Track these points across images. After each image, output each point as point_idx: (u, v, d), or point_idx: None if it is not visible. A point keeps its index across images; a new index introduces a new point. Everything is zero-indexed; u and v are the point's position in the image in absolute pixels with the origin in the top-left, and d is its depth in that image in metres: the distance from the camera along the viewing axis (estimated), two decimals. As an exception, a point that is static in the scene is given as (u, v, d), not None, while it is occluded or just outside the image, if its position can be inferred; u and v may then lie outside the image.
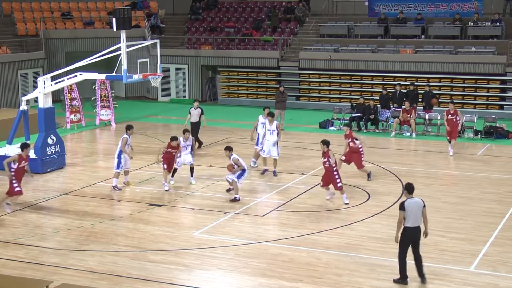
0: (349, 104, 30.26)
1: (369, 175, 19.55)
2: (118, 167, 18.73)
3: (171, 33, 38.09)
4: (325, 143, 17.00)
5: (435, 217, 16.22)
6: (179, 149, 18.68)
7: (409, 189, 12.57)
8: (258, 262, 13.54)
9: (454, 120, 22.82)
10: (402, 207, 12.37)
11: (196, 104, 23.75)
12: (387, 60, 31.70)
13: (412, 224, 12.34)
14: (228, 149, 17.76)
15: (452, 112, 22.96)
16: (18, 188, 16.69)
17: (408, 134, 26.19)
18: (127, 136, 18.77)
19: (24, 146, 16.93)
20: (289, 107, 32.12)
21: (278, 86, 30.13)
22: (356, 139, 19.19)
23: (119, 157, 18.71)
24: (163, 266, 13.39)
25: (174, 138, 18.58)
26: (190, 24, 38.05)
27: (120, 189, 18.66)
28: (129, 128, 19.01)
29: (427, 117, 26.96)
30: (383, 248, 14.23)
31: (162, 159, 18.64)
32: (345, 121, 27.45)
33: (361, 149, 19.22)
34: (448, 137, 22.97)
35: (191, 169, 19.30)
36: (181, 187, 18.97)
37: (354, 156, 19.27)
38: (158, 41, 22.90)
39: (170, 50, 34.98)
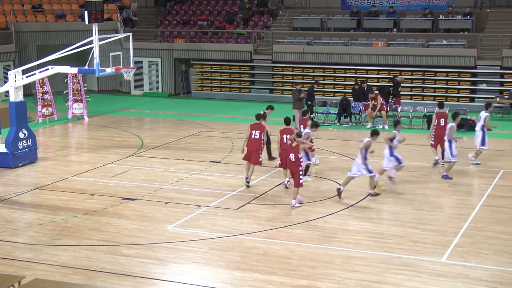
0: (323, 96, 30.49)
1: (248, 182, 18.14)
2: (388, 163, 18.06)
3: (144, 26, 37.89)
4: None
5: (407, 209, 16.41)
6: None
7: None
8: (232, 255, 13.56)
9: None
10: None
11: (270, 111, 20.25)
12: (360, 53, 31.87)
13: None
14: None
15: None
16: None
17: (381, 126, 26.39)
18: (370, 139, 17.09)
19: None
20: (262, 100, 32.22)
21: (250, 79, 30.11)
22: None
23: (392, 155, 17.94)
24: (137, 260, 13.36)
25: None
26: (163, 17, 37.88)
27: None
28: (374, 133, 17.18)
29: (399, 109, 27.20)
30: (356, 240, 14.34)
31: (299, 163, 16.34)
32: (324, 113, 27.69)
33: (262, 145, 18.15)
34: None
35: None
36: (155, 181, 18.91)
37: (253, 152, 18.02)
38: (130, 34, 22.77)
39: (143, 44, 34.78)
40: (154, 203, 17.01)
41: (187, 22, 36.92)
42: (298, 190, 16.44)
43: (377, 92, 26.87)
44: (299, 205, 16.51)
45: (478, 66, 30.21)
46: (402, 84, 28.38)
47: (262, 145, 18.17)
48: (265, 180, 18.94)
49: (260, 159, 18.09)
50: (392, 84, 28.16)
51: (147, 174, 19.68)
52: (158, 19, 38.08)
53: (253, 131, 18.00)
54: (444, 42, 31.21)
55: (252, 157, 17.97)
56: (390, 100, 27.39)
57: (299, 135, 16.90)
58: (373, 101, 26.37)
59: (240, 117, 28.65)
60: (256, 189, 17.98)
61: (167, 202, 16.92)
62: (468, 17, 32.03)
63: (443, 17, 32.42)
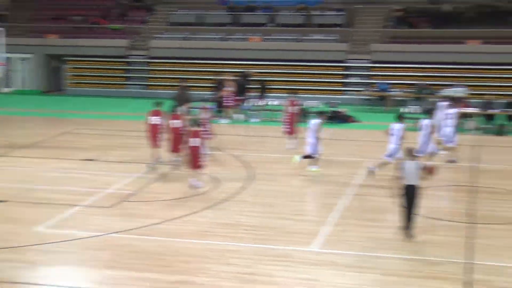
0: (202, 92, 30.58)
1: None
2: None
3: (16, 22, 36.50)
4: None
5: (281, 201, 16.80)
6: None
7: None
8: (106, 254, 13.37)
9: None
10: None
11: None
12: (237, 48, 32.20)
13: None
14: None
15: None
16: None
17: (257, 119, 26.81)
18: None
19: None
20: (138, 96, 31.96)
21: (126, 75, 29.49)
22: None
23: None
24: (5, 264, 12.86)
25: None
26: (35, 12, 36.63)
27: None
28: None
29: (259, 103, 27.81)
30: (232, 234, 14.51)
31: None
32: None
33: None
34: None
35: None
36: (26, 181, 18.33)
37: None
38: (2, 29, 21.91)
39: (14, 39, 33.48)
40: (24, 204, 16.47)
41: (60, 17, 35.90)
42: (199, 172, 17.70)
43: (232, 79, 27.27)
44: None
45: (348, 60, 31.30)
46: (287, 79, 28.89)
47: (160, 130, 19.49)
48: (141, 176, 18.81)
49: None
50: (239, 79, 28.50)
51: (19, 174, 19.02)
52: (29, 14, 36.77)
53: (152, 117, 19.57)
54: (316, 37, 32.06)
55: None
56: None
57: (196, 121, 17.76)
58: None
59: (116, 113, 28.27)
60: (130, 186, 17.82)
61: (38, 203, 16.43)
62: (340, 12, 33.08)
63: (316, 12, 33.34)
